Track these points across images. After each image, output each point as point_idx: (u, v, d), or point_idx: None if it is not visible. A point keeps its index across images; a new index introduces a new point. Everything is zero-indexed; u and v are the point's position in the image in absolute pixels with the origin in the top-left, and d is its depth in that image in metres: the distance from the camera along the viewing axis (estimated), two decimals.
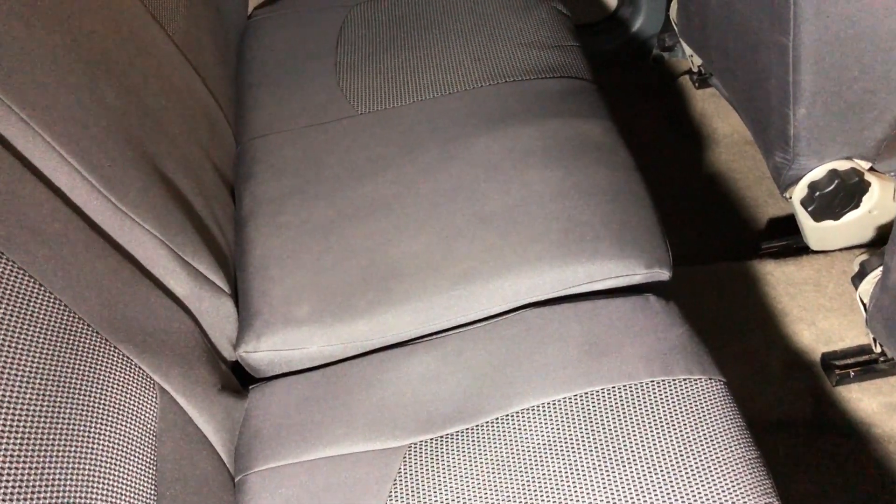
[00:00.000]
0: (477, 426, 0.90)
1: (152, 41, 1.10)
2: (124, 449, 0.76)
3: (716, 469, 0.82)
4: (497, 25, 1.35)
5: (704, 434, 0.85)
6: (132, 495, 0.74)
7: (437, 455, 0.88)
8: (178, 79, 1.13)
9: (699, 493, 0.81)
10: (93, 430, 0.73)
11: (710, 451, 0.84)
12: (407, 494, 0.86)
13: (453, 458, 0.88)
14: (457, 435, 0.90)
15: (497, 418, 0.90)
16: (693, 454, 0.84)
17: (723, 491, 0.81)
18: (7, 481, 0.63)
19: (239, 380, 1.03)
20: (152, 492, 0.77)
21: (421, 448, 0.89)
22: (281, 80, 1.35)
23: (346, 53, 1.35)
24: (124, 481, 0.74)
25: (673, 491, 0.81)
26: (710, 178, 1.70)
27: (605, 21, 1.96)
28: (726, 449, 0.84)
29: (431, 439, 0.90)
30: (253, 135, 1.27)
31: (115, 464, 0.74)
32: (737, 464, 0.83)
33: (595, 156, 1.12)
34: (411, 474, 0.87)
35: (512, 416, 0.90)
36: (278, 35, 1.44)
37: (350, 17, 1.42)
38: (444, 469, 0.87)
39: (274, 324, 1.02)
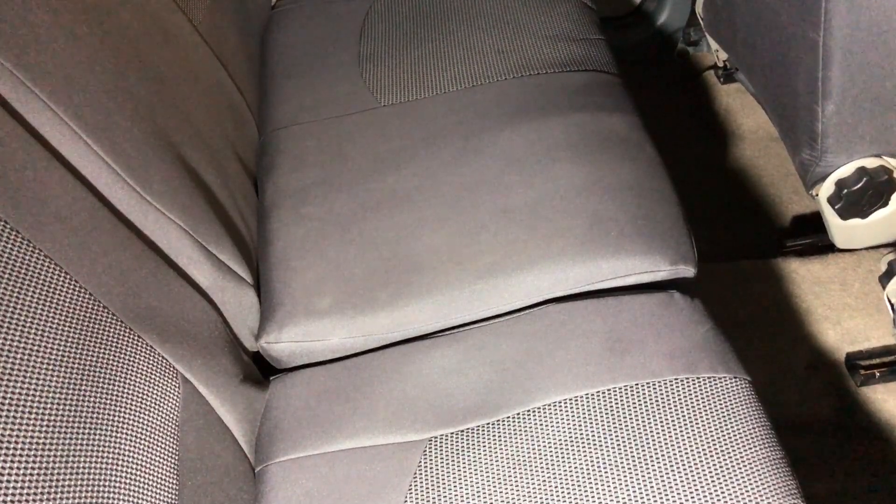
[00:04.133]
0: (498, 421, 0.89)
1: (178, 31, 1.10)
2: (147, 438, 0.76)
3: (740, 469, 0.82)
4: (522, 18, 1.34)
5: (729, 433, 0.84)
6: (154, 485, 0.75)
7: (457, 449, 0.88)
8: (203, 69, 1.13)
9: (723, 492, 0.80)
10: (116, 418, 0.73)
11: (734, 451, 0.83)
12: (427, 488, 0.86)
13: (474, 453, 0.87)
14: (477, 429, 0.89)
15: (518, 413, 0.89)
16: (717, 453, 0.83)
17: (747, 491, 0.80)
18: (31, 468, 0.63)
19: (260, 370, 1.04)
20: (174, 481, 0.77)
21: (441, 442, 0.89)
22: (304, 71, 1.34)
23: (369, 45, 1.35)
24: (147, 470, 0.74)
25: (696, 490, 0.80)
26: (734, 175, 1.68)
27: (631, 15, 1.95)
28: (751, 448, 0.83)
29: (452, 433, 0.90)
30: (276, 126, 1.27)
31: (138, 453, 0.74)
32: (761, 464, 0.82)
33: (620, 150, 1.11)
34: (431, 468, 0.87)
35: (533, 411, 0.89)
36: (302, 26, 1.44)
37: (373, 9, 1.42)
38: (464, 463, 0.87)
39: (296, 315, 1.02)
